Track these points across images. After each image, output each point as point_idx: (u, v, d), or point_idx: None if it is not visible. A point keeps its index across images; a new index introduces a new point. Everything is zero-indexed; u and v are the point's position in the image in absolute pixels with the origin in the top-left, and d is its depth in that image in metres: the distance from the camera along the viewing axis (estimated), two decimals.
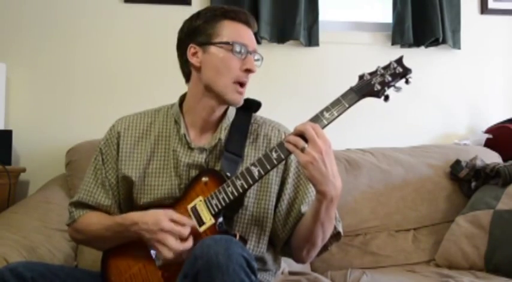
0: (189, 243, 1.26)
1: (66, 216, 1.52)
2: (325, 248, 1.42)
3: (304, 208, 1.40)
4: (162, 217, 1.26)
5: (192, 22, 1.43)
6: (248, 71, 1.38)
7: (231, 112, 1.47)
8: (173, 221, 1.26)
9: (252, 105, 1.50)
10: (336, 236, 1.42)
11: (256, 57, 1.43)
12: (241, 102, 1.42)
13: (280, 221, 1.42)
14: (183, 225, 1.27)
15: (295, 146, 1.21)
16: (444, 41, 2.52)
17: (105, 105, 2.37)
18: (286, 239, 1.42)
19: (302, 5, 2.43)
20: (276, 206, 1.43)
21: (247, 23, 1.41)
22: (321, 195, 1.23)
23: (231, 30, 1.38)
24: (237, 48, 1.37)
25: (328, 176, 1.21)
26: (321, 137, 1.21)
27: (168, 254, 1.24)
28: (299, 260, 1.44)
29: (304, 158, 1.20)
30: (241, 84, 1.39)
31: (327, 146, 1.20)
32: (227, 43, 1.37)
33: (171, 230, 1.24)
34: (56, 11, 2.38)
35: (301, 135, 1.22)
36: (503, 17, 2.69)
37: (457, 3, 2.58)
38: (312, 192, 1.42)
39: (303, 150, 1.20)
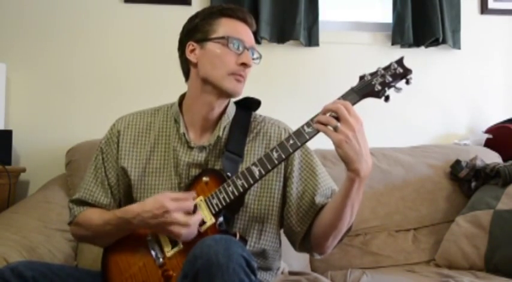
0: (198, 216, 1.27)
1: (67, 216, 1.52)
2: (341, 238, 1.40)
3: (317, 199, 1.39)
4: (163, 199, 1.26)
5: (190, 22, 1.45)
6: (244, 65, 1.38)
7: (231, 110, 1.47)
8: (174, 199, 1.27)
9: (252, 104, 1.50)
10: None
11: (255, 56, 1.43)
12: (241, 93, 1.41)
13: (293, 217, 1.42)
14: (185, 199, 1.27)
15: (327, 125, 1.21)
16: (444, 41, 2.52)
17: (105, 105, 2.37)
18: (304, 233, 1.41)
19: (302, 5, 2.43)
20: (284, 203, 1.43)
21: (244, 21, 1.42)
22: (354, 173, 1.22)
23: (227, 26, 1.39)
24: (233, 43, 1.37)
25: (362, 153, 1.21)
26: (353, 115, 1.20)
27: (182, 230, 1.24)
28: (320, 250, 1.42)
29: (338, 137, 1.19)
30: (239, 76, 1.39)
31: (359, 124, 1.20)
32: (223, 38, 1.37)
33: (176, 208, 1.25)
34: (56, 11, 2.38)
35: (331, 114, 1.21)
36: (503, 17, 2.69)
37: (457, 3, 2.58)
38: (323, 182, 1.42)
39: (335, 129, 1.20)
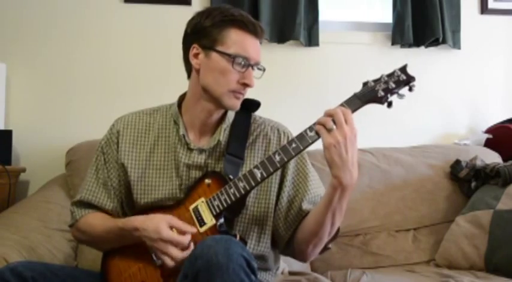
0: (186, 253, 1.26)
1: (67, 216, 1.52)
2: (325, 246, 1.42)
3: (305, 205, 1.40)
4: (162, 225, 1.26)
5: (200, 20, 1.40)
6: (245, 85, 1.37)
7: (231, 113, 1.47)
8: (172, 227, 1.26)
9: (251, 105, 1.50)
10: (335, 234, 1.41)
11: (259, 68, 1.41)
12: (238, 107, 1.41)
13: (281, 220, 1.43)
14: (183, 233, 1.27)
15: (324, 125, 1.23)
16: (444, 41, 2.52)
17: (105, 105, 2.37)
18: (289, 238, 1.42)
19: (302, 5, 2.43)
20: (276, 205, 1.44)
21: (255, 34, 1.39)
22: (337, 180, 1.23)
23: (236, 40, 1.36)
24: (238, 62, 1.35)
25: (347, 162, 1.21)
26: (349, 123, 1.22)
27: (170, 263, 1.25)
28: (302, 257, 1.44)
29: (328, 139, 1.21)
30: (239, 94, 1.39)
31: (352, 133, 1.22)
32: (229, 55, 1.35)
33: (171, 240, 1.25)
34: (56, 11, 2.38)
35: (331, 118, 1.23)
36: (503, 17, 2.69)
37: (457, 3, 2.58)
38: (313, 189, 1.43)
39: (329, 131, 1.21)
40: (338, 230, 1.40)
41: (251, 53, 1.37)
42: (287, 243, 1.44)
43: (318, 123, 1.24)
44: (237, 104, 1.40)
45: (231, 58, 1.35)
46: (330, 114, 1.23)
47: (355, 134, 1.23)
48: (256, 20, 1.43)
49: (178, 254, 1.25)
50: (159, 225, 1.26)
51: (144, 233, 1.27)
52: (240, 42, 1.36)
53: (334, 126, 1.21)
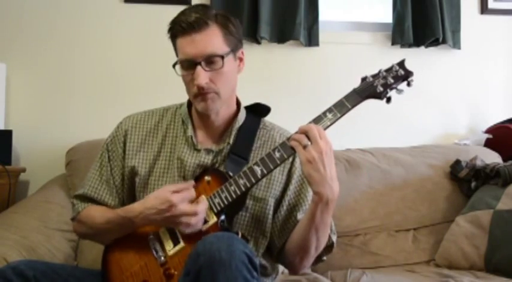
0: (204, 202, 1.28)
1: (67, 216, 1.52)
2: (319, 258, 1.42)
3: (300, 215, 1.40)
4: (166, 194, 1.27)
5: None
6: (196, 86, 1.33)
7: (241, 117, 1.47)
8: (175, 191, 1.27)
9: (262, 110, 1.50)
10: (328, 247, 1.42)
11: (213, 60, 1.33)
12: (210, 109, 1.37)
13: (277, 227, 1.43)
14: (186, 189, 1.28)
15: (299, 142, 1.23)
16: (444, 41, 2.52)
17: (105, 105, 2.37)
18: (281, 247, 1.43)
19: (302, 5, 2.43)
20: (275, 212, 1.43)
21: (188, 31, 1.32)
22: (317, 196, 1.24)
23: (178, 48, 1.36)
24: (184, 66, 1.35)
25: (326, 177, 1.22)
26: (323, 138, 1.23)
27: (192, 219, 1.25)
28: (292, 268, 1.45)
29: (305, 155, 1.22)
30: (202, 95, 1.35)
31: (327, 148, 1.23)
32: (176, 64, 1.37)
33: (181, 200, 1.25)
34: (56, 11, 2.38)
35: (305, 134, 1.24)
36: (503, 17, 2.69)
37: (457, 3, 2.59)
38: (309, 200, 1.42)
39: (305, 147, 1.22)
40: (333, 245, 1.42)
41: (189, 52, 1.32)
42: (279, 252, 1.44)
43: (293, 139, 1.25)
44: (207, 106, 1.36)
45: (179, 65, 1.37)
46: (303, 131, 1.24)
47: (331, 148, 1.23)
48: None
49: (195, 207, 1.26)
50: (162, 195, 1.27)
51: (150, 211, 1.27)
52: (180, 48, 1.36)
53: (309, 142, 1.22)
